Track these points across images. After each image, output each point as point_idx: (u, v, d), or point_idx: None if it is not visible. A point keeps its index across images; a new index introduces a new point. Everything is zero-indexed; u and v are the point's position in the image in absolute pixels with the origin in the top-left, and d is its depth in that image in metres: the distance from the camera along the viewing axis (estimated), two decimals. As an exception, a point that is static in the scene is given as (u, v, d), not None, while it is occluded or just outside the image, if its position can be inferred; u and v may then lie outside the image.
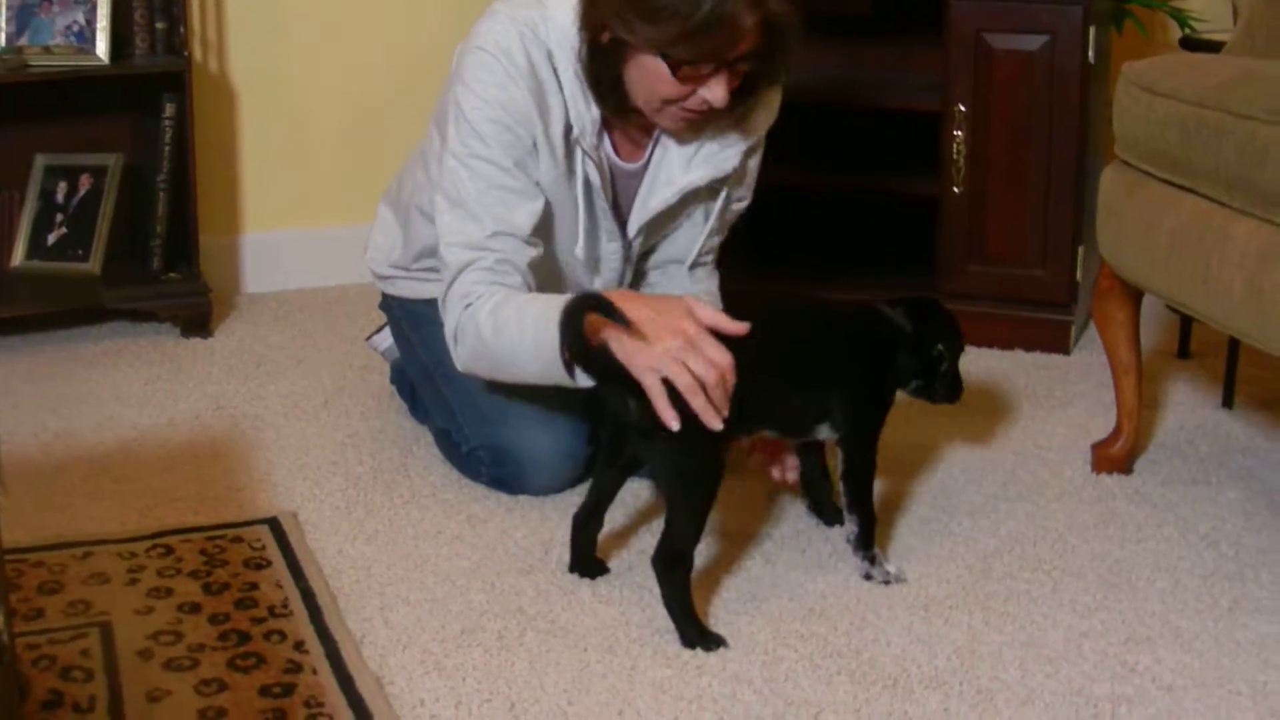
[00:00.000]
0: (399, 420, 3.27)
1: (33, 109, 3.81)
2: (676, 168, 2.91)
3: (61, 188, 3.82)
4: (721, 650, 2.38)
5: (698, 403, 2.41)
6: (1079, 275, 3.69)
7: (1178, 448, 3.16)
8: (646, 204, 2.92)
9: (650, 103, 2.75)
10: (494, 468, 2.92)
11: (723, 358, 2.45)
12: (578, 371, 2.60)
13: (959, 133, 3.67)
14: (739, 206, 3.05)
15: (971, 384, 3.37)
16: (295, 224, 4.19)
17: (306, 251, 4.17)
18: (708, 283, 3.08)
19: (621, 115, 2.82)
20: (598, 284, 2.99)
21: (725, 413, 2.44)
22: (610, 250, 2.96)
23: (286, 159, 4.14)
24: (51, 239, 3.80)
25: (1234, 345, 3.35)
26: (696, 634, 2.42)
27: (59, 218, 3.81)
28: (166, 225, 3.81)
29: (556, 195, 2.85)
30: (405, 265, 3.13)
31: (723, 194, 2.97)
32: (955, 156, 3.68)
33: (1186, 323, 3.65)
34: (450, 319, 2.82)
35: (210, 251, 3.96)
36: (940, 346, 2.69)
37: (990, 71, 3.63)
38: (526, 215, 2.82)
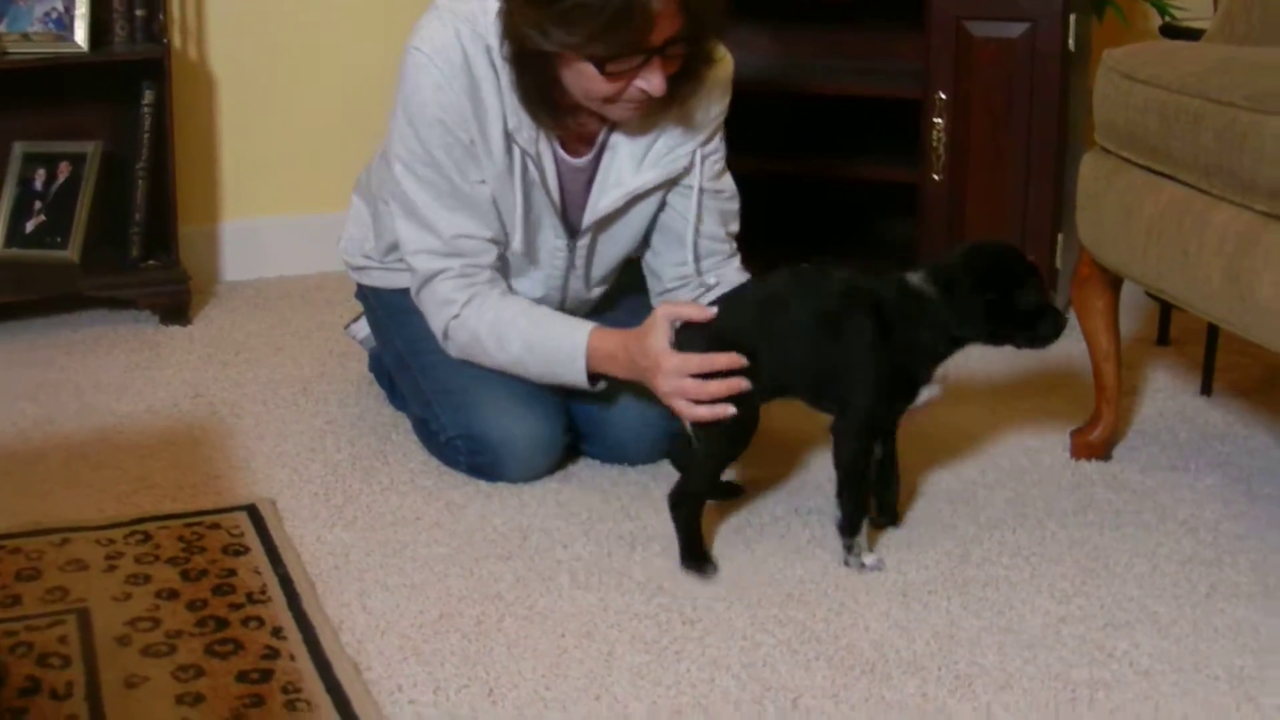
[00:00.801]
0: (378, 407, 3.26)
1: (11, 96, 3.79)
2: (626, 170, 2.92)
3: (40, 175, 3.81)
4: (699, 636, 2.38)
5: (727, 413, 2.61)
6: (1059, 263, 3.70)
7: (1156, 435, 3.16)
8: (596, 205, 2.93)
9: (591, 101, 2.76)
10: (471, 456, 2.92)
11: (716, 362, 2.60)
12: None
13: (939, 120, 3.67)
14: (728, 205, 3.05)
15: (950, 371, 3.38)
16: (274, 212, 4.18)
17: (286, 239, 4.16)
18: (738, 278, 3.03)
19: (558, 121, 2.82)
20: (537, 277, 2.99)
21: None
22: (555, 247, 2.96)
23: (266, 146, 4.13)
24: (30, 226, 3.78)
25: (1213, 333, 3.35)
26: (689, 558, 2.61)
27: (37, 205, 3.79)
28: (145, 213, 3.80)
29: (500, 190, 2.87)
30: (378, 257, 3.13)
31: (693, 186, 2.97)
32: (935, 144, 3.68)
33: (1166, 310, 3.65)
34: (435, 321, 2.91)
35: (189, 239, 3.95)
36: (951, 320, 2.64)
37: (970, 59, 3.63)
38: (480, 213, 2.86)
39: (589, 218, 2.94)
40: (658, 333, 2.68)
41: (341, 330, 3.52)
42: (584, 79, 2.70)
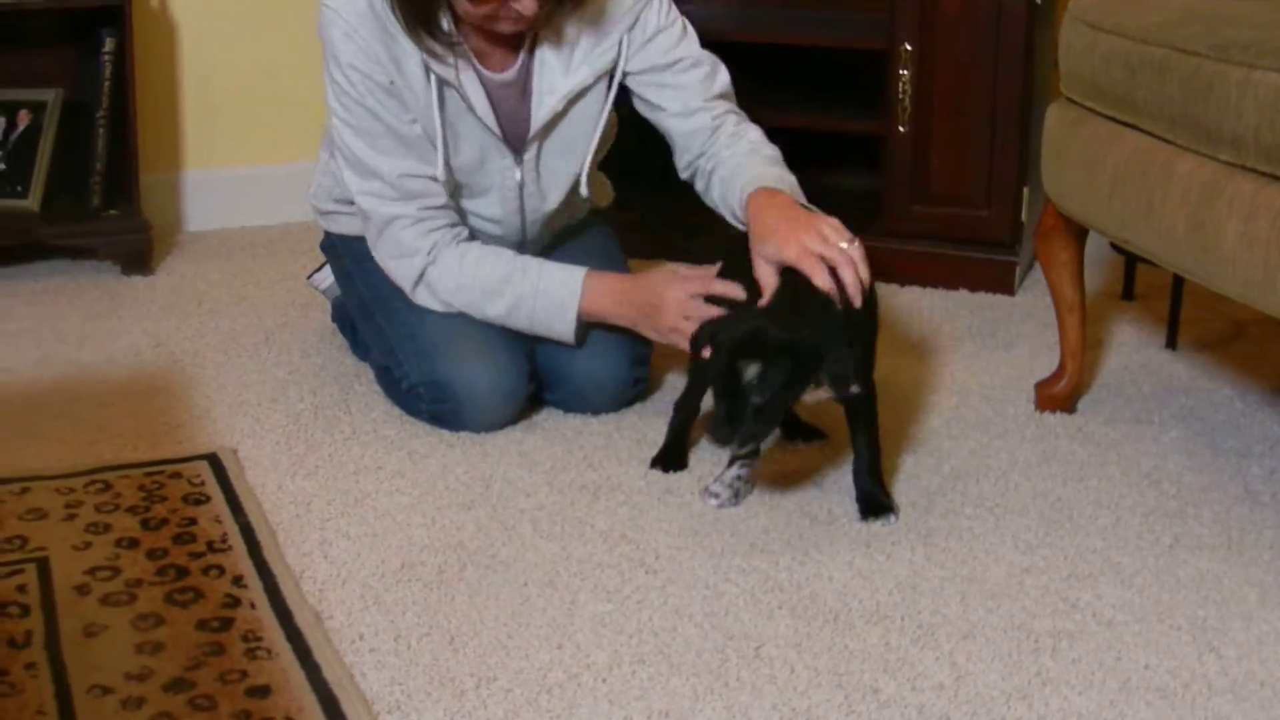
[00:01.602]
0: (340, 357, 3.25)
1: (-31, 44, 3.77)
2: (558, 75, 2.94)
3: (-1, 123, 3.79)
4: (662, 585, 2.38)
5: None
6: (1024, 216, 3.69)
7: (1120, 387, 3.16)
8: (536, 115, 2.95)
9: (474, 20, 2.80)
10: (433, 404, 2.91)
11: (720, 288, 2.78)
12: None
13: (904, 72, 3.65)
14: (696, 72, 3.02)
15: (916, 323, 3.39)
16: (237, 162, 4.15)
17: (248, 189, 4.14)
18: (759, 146, 3.01)
19: (445, 44, 2.84)
20: (493, 198, 3.00)
21: None
22: (503, 166, 2.97)
23: (228, 95, 4.11)
24: (-11, 175, 3.76)
25: (1177, 287, 3.35)
26: (659, 455, 2.80)
27: (-3, 153, 3.78)
28: (106, 162, 3.77)
29: (429, 125, 2.89)
30: (347, 200, 3.11)
31: (631, 71, 2.99)
32: (900, 96, 3.67)
33: (1131, 264, 3.65)
34: (400, 271, 2.95)
35: (151, 188, 3.93)
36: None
37: (936, 9, 3.62)
38: (419, 152, 2.89)
39: (532, 129, 2.95)
40: (663, 272, 2.89)
41: (304, 280, 3.50)
42: (460, 3, 2.76)
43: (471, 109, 2.89)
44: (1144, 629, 2.29)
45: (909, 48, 3.64)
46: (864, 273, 2.60)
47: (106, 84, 3.73)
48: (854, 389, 2.54)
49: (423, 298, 2.94)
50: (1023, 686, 2.15)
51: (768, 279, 2.64)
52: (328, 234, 3.22)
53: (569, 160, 3.02)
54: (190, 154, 4.12)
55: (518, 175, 2.97)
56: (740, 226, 2.86)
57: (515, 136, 2.96)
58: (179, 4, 4.02)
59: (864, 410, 2.63)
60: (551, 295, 2.90)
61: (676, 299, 2.82)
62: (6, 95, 3.80)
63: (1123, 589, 2.40)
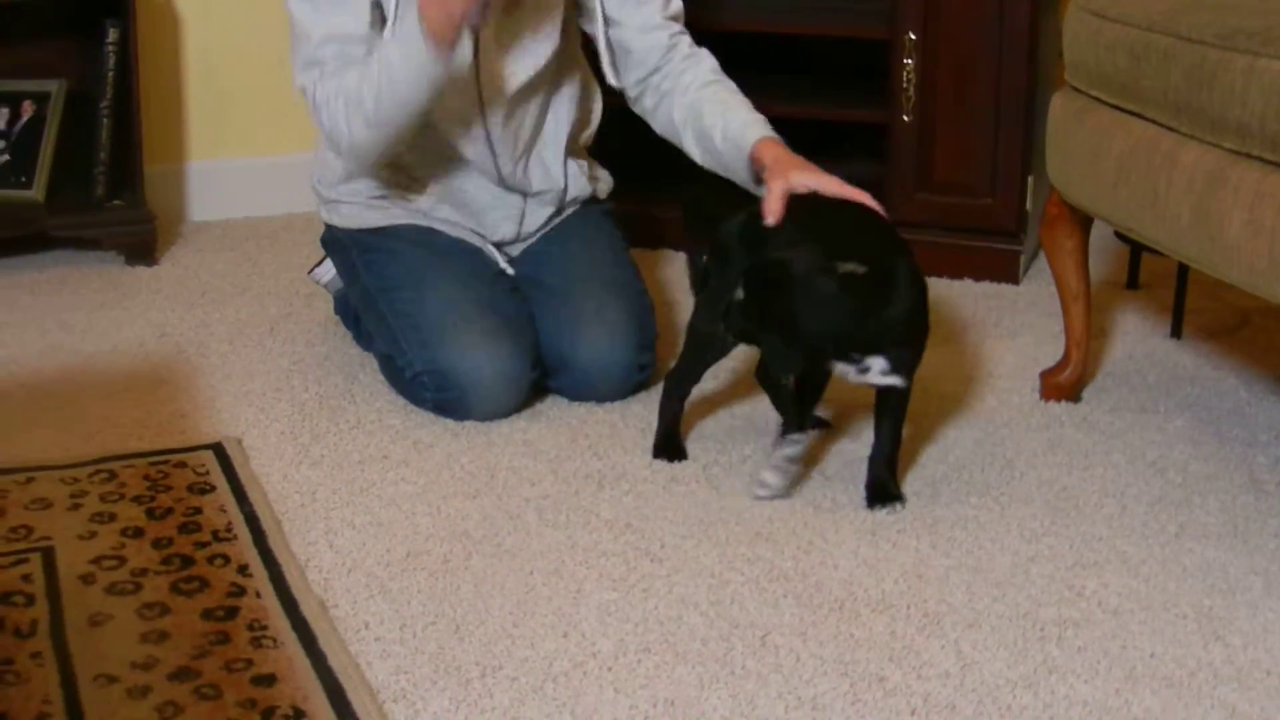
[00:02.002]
0: (344, 347, 3.25)
1: (-27, 34, 3.77)
2: None
3: (3, 114, 3.78)
4: (667, 574, 2.38)
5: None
6: (1029, 205, 3.69)
7: (1126, 376, 3.16)
8: None
9: None
10: (437, 393, 2.91)
11: None
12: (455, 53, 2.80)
13: (909, 60, 3.65)
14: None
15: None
16: (241, 152, 4.15)
17: (252, 180, 4.14)
18: (722, 77, 3.06)
19: None
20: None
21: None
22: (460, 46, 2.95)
23: (232, 86, 4.10)
24: (-7, 166, 3.76)
25: (1182, 276, 3.35)
26: (659, 445, 2.78)
27: (1, 144, 3.76)
28: (110, 152, 3.77)
29: None
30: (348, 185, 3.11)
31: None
32: (904, 85, 3.67)
33: (1136, 253, 3.65)
34: (330, 128, 2.93)
35: (156, 179, 3.92)
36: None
37: (940, -2, 3.62)
38: (355, 10, 2.90)
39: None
40: None
41: (306, 274, 3.50)
42: None
43: None
44: (1149, 617, 2.29)
45: (913, 36, 3.64)
46: None
47: (110, 74, 3.72)
48: (898, 382, 2.57)
49: (359, 137, 2.90)
50: (1028, 675, 2.15)
51: (777, 205, 2.67)
52: (329, 226, 3.21)
53: (537, 40, 3.01)
54: (194, 144, 4.12)
55: (474, 42, 2.94)
56: (705, 155, 2.97)
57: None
58: (182, -6, 4.03)
59: (898, 402, 2.62)
60: (401, 38, 2.81)
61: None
62: (10, 86, 3.80)
63: (1128, 577, 2.40)
